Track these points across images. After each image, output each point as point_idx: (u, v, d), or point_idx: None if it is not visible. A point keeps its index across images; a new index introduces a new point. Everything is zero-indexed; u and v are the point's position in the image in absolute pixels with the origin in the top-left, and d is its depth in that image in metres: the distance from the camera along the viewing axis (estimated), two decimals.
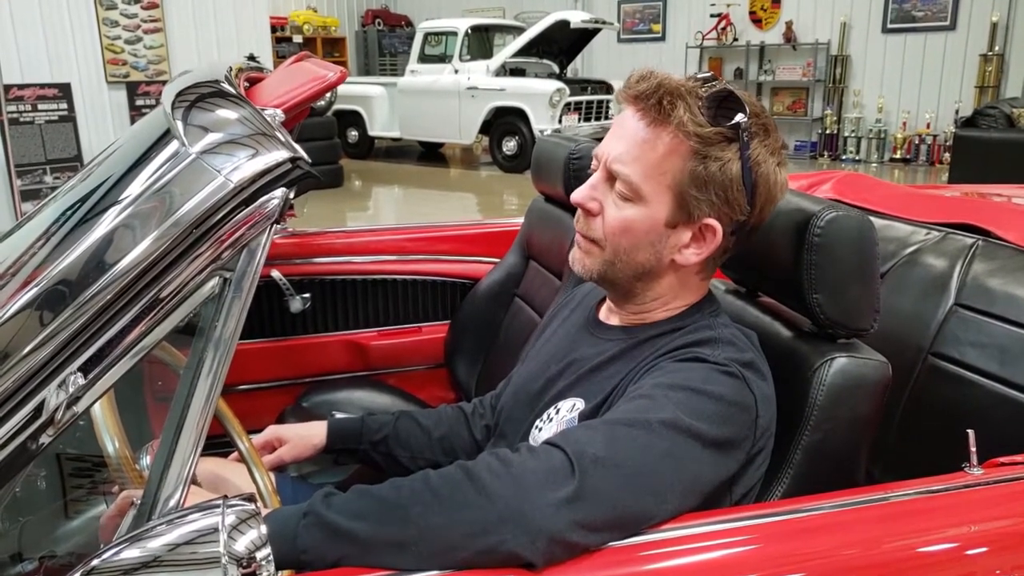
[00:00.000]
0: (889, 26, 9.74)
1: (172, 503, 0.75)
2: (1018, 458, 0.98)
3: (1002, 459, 0.99)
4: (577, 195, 1.00)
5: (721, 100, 0.93)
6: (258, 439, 1.25)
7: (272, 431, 1.27)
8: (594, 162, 1.01)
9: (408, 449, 1.25)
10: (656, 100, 0.93)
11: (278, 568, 0.77)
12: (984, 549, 0.89)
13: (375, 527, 0.78)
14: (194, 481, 0.86)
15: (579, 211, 1.01)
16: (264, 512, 0.82)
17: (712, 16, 10.74)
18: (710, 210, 0.94)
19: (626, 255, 0.98)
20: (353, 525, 0.78)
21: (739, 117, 0.92)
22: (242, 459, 1.14)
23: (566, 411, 1.01)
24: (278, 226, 2.07)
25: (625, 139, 0.96)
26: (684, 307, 1.03)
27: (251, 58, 1.65)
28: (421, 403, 1.99)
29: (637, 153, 0.94)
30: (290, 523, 0.79)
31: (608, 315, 1.10)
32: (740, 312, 1.16)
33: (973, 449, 0.96)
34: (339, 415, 1.78)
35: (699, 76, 0.97)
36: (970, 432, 0.96)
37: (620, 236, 0.97)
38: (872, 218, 1.09)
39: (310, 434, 1.26)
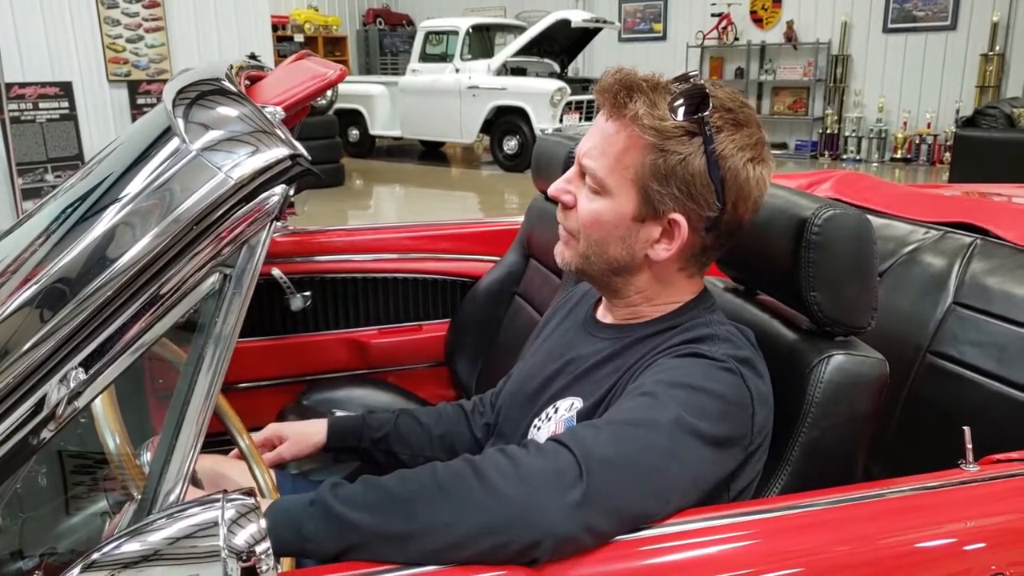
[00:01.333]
0: (890, 26, 9.73)
1: (172, 498, 0.76)
2: (1013, 455, 0.99)
3: (997, 456, 0.99)
4: (553, 188, 1.03)
5: (687, 94, 0.92)
6: (258, 436, 1.25)
7: (272, 428, 1.27)
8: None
9: (409, 447, 1.26)
10: (613, 94, 0.95)
11: (282, 555, 0.78)
12: (979, 545, 0.90)
13: (380, 520, 0.78)
14: (194, 477, 0.86)
15: (559, 204, 1.03)
16: (266, 503, 0.82)
17: (713, 16, 10.74)
18: (675, 205, 0.94)
19: (598, 247, 0.99)
20: (359, 517, 0.78)
21: (702, 111, 0.91)
22: (242, 456, 1.14)
23: (564, 410, 1.01)
24: (278, 224, 2.08)
25: (593, 135, 0.99)
26: (676, 305, 1.03)
27: (252, 57, 1.66)
28: (422, 401, 2.00)
29: (603, 147, 0.96)
30: (296, 511, 0.79)
31: (604, 314, 1.10)
32: (739, 310, 1.17)
33: (969, 446, 0.97)
34: (340, 413, 1.79)
35: (683, 74, 0.98)
36: (966, 429, 0.97)
37: (591, 228, 0.98)
38: (871, 217, 1.09)
39: (310, 432, 1.26)
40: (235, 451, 1.17)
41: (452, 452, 1.25)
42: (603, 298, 1.11)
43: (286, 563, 0.87)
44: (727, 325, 1.00)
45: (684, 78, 0.96)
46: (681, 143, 0.92)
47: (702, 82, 0.94)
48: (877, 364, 1.01)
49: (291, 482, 1.28)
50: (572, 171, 1.02)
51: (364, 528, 0.78)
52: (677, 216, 0.95)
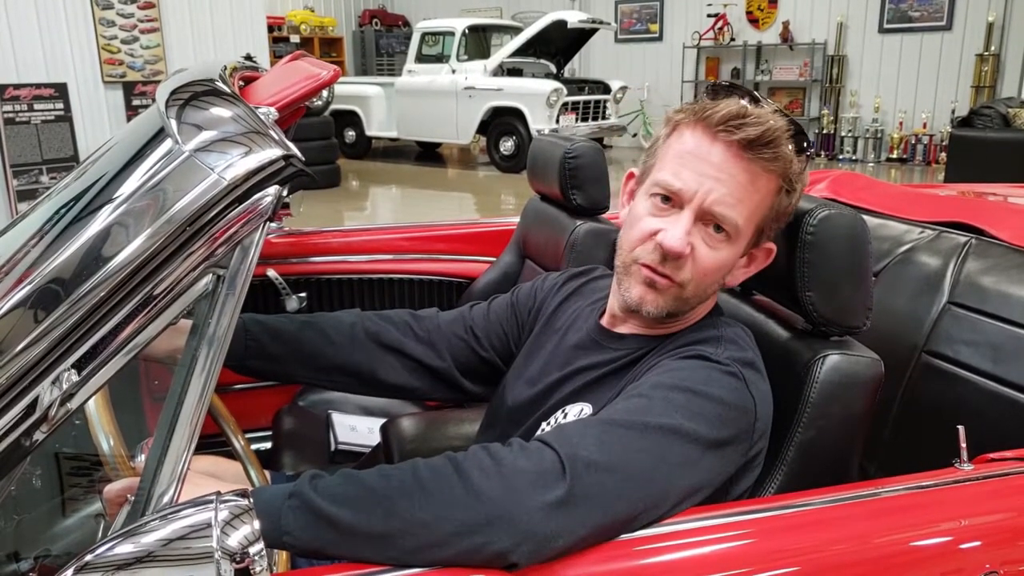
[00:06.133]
0: (886, 26, 9.75)
1: (166, 499, 0.76)
2: (1007, 454, 0.99)
3: (992, 455, 0.99)
4: (676, 244, 0.93)
5: (796, 129, 0.96)
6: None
7: None
8: (656, 198, 0.96)
9: (305, 364, 1.18)
10: (764, 144, 0.92)
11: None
12: (974, 544, 0.90)
13: (360, 516, 0.77)
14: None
15: (654, 249, 0.95)
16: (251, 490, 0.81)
17: (709, 16, 10.75)
18: (774, 235, 1.01)
19: (707, 289, 0.99)
20: (338, 512, 0.77)
21: (807, 146, 0.97)
22: (237, 458, 1.14)
23: (574, 416, 1.01)
24: (273, 225, 2.08)
25: (727, 181, 0.92)
26: (703, 315, 1.04)
27: (248, 58, 1.65)
28: (417, 401, 1.99)
29: (741, 195, 0.93)
30: (275, 502, 0.78)
31: (613, 322, 1.08)
32: (735, 310, 1.17)
33: (963, 445, 0.97)
34: (336, 415, 1.79)
35: (732, 86, 0.99)
36: (960, 428, 0.97)
37: (712, 275, 0.97)
38: (867, 217, 1.09)
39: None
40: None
41: (354, 374, 1.19)
42: (618, 310, 1.07)
43: (281, 563, 0.87)
44: (734, 327, 1.00)
45: (739, 90, 0.98)
46: (799, 180, 0.98)
47: (770, 102, 0.97)
48: (872, 364, 1.01)
49: (285, 483, 1.28)
50: (689, 220, 0.94)
51: (344, 524, 0.76)
52: (771, 244, 1.00)
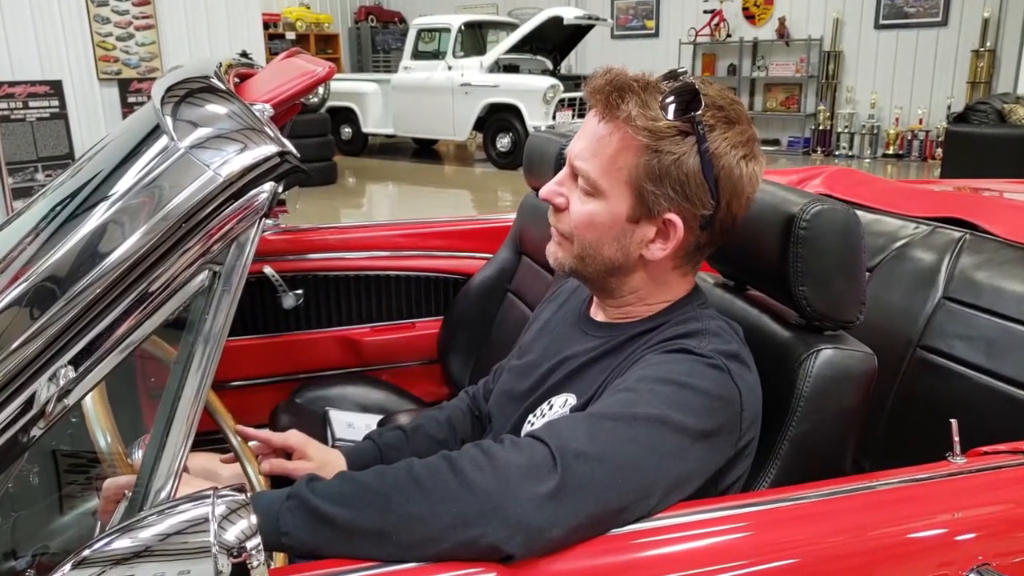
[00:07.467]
0: (881, 22, 9.75)
1: (163, 495, 0.76)
2: (1000, 447, 1.00)
3: (984, 448, 1.00)
4: (544, 191, 1.02)
5: (678, 93, 0.92)
6: (276, 438, 1.14)
7: (298, 442, 1.14)
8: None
9: None
10: (605, 95, 0.95)
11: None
12: (966, 536, 0.91)
13: (356, 514, 0.78)
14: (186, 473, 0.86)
15: (550, 206, 1.03)
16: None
17: (705, 12, 10.75)
18: (669, 205, 0.94)
19: (592, 249, 0.99)
20: (335, 510, 0.78)
21: (693, 110, 0.91)
22: (235, 454, 1.14)
23: (559, 407, 1.02)
24: (269, 222, 2.08)
25: (585, 136, 0.98)
26: (667, 303, 1.03)
27: (243, 55, 1.65)
28: (414, 399, 2.00)
29: (594, 148, 0.96)
30: (273, 505, 0.79)
31: (597, 312, 1.10)
32: (728, 305, 1.17)
33: (956, 439, 0.98)
34: (334, 412, 1.79)
35: (671, 71, 0.98)
36: (953, 422, 0.97)
37: (585, 231, 0.98)
38: (862, 212, 1.10)
39: (330, 463, 1.14)
40: (230, 454, 1.17)
41: None
42: (595, 297, 1.11)
43: (279, 559, 0.87)
44: (718, 320, 1.00)
45: (673, 75, 0.96)
46: (674, 143, 0.92)
47: (691, 80, 0.94)
48: (865, 358, 1.01)
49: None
50: (563, 173, 1.01)
51: (340, 522, 0.78)
52: (672, 216, 0.95)
